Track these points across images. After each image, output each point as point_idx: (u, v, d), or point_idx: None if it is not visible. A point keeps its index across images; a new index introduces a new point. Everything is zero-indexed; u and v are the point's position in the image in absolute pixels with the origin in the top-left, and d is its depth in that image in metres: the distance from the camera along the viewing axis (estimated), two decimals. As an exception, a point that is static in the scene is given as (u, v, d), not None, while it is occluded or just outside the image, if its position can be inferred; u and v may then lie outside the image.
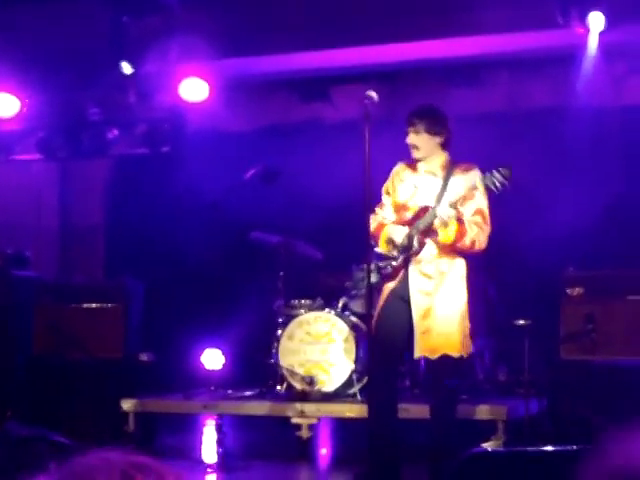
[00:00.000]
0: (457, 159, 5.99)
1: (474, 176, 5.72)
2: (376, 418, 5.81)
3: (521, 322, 6.86)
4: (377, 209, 6.06)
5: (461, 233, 5.72)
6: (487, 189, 5.66)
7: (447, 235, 5.71)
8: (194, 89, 8.57)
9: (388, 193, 6.07)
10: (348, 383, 7.47)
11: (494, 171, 5.61)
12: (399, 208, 5.96)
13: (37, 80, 8.65)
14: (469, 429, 6.61)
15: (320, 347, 7.60)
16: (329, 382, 7.51)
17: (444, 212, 5.67)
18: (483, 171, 5.71)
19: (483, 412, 6.82)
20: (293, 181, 8.36)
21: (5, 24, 8.54)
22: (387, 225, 5.95)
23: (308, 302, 7.94)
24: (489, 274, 8.06)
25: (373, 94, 5.66)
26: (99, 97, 8.87)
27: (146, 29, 8.07)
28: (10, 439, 6.45)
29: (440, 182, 5.86)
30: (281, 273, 8.09)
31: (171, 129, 8.92)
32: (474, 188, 5.68)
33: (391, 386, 5.91)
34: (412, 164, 5.92)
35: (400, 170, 6.04)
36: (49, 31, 8.45)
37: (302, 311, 7.85)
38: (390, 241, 5.88)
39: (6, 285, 8.65)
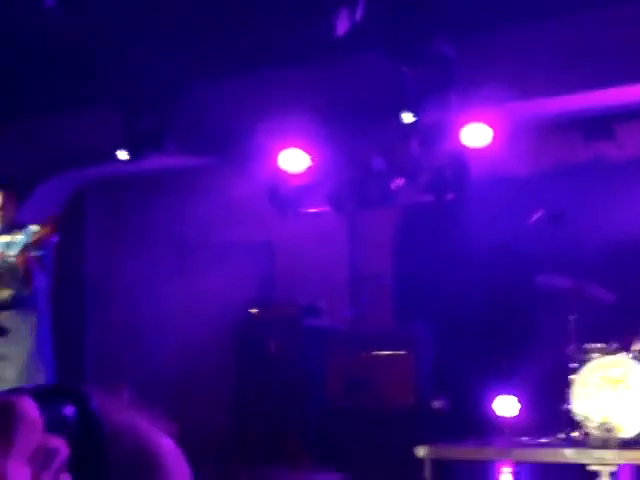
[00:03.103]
0: None
1: None
2: None
3: None
4: None
5: None
6: None
7: None
8: (476, 135, 8.58)
9: None
10: (648, 429, 7.20)
11: None
12: None
13: (323, 134, 8.92)
14: None
15: (616, 392, 7.37)
16: (628, 428, 7.25)
17: None
18: None
19: None
20: (578, 222, 8.20)
21: (291, 82, 8.89)
22: None
23: (602, 346, 7.72)
24: None
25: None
26: (382, 147, 9.04)
27: (426, 78, 8.18)
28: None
29: None
30: (572, 317, 7.92)
31: (454, 176, 8.95)
32: None
33: None
34: None
35: None
36: (332, 85, 8.73)
37: (596, 355, 7.64)
38: None
39: (300, 335, 8.93)
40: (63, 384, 0.94)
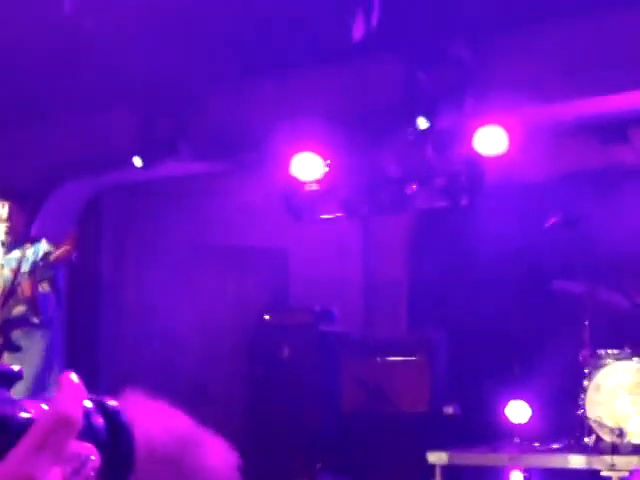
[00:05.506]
0: None
1: None
2: None
3: None
4: None
5: None
6: None
7: None
8: (492, 139, 8.52)
9: None
10: (660, 435, 7.13)
11: None
12: None
13: (338, 139, 8.90)
14: None
15: (630, 398, 7.31)
16: (640, 434, 7.19)
17: None
18: None
19: None
20: (593, 227, 8.14)
21: (307, 87, 8.88)
22: None
23: (615, 352, 7.66)
24: None
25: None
26: (397, 153, 9.00)
27: (441, 82, 8.15)
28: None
29: None
30: (586, 322, 7.86)
31: (469, 181, 8.89)
32: None
33: None
34: None
35: None
36: (347, 90, 8.71)
37: (609, 361, 7.58)
38: None
39: (314, 341, 8.91)
40: (94, 395, 0.94)
